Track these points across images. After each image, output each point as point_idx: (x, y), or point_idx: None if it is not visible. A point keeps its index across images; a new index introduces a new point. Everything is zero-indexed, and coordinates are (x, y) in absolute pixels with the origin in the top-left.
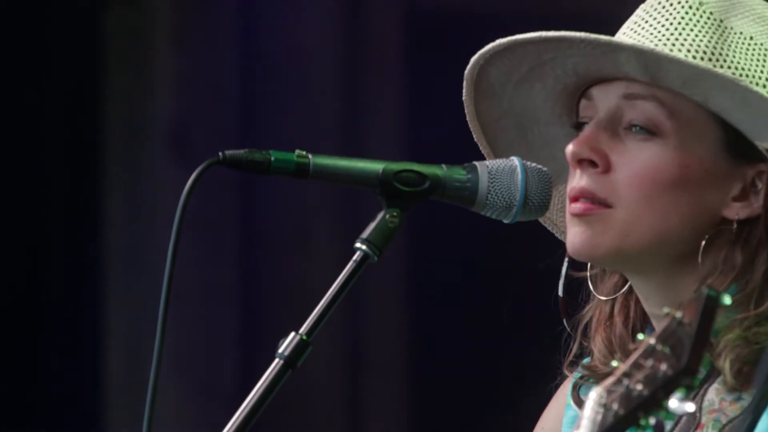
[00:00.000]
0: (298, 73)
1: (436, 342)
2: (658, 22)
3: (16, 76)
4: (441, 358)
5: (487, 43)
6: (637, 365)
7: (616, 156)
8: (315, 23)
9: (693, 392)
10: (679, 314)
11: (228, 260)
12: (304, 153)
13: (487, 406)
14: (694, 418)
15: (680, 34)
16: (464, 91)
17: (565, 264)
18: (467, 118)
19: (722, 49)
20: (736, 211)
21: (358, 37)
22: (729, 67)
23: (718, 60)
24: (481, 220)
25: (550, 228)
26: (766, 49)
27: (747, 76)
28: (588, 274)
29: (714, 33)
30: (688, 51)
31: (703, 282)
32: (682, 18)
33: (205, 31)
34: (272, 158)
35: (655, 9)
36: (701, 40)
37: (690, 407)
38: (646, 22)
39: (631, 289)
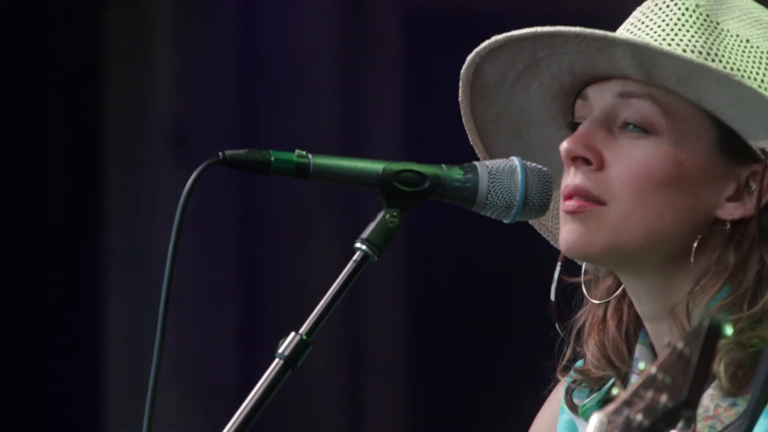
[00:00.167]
0: (298, 73)
1: (436, 342)
2: (654, 23)
3: (16, 76)
4: (441, 358)
5: None
6: (638, 394)
7: (610, 153)
8: (315, 23)
9: (693, 424)
10: (680, 345)
11: (228, 260)
12: (304, 153)
13: (486, 406)
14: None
15: (676, 34)
16: (460, 91)
17: (558, 269)
18: (463, 120)
19: (718, 48)
20: (730, 212)
21: (358, 37)
22: (725, 66)
23: (714, 59)
24: (481, 220)
25: (545, 235)
26: (762, 52)
27: (743, 76)
28: (582, 279)
29: (710, 34)
30: (684, 49)
31: (697, 283)
32: (678, 19)
33: (205, 31)
34: (272, 158)
35: (652, 10)
36: (697, 40)
37: None
38: (642, 23)
39: (624, 293)
